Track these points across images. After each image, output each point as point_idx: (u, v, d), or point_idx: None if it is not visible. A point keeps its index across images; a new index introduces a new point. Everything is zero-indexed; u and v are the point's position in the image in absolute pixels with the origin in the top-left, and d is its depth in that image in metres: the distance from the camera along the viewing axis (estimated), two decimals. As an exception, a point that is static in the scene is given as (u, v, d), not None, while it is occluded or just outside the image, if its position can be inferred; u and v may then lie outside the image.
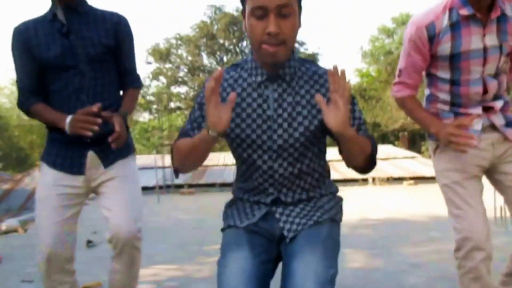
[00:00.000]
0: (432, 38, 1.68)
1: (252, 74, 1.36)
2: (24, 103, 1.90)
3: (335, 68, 1.17)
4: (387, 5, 54.00)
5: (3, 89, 31.77)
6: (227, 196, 1.62)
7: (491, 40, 1.66)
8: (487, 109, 1.77)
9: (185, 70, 30.80)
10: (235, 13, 29.29)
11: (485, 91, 1.73)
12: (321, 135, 1.39)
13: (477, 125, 1.74)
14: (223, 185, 9.37)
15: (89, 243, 4.25)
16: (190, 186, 9.57)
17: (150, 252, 3.81)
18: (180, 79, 30.17)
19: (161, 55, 29.71)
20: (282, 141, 1.34)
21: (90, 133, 1.70)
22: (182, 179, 9.96)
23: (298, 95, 1.34)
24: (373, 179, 9.39)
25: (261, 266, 1.31)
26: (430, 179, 9.36)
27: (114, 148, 1.75)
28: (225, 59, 30.67)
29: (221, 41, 30.05)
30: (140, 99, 27.71)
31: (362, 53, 32.41)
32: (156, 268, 3.35)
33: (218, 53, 30.76)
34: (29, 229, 5.28)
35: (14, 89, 32.16)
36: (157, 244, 4.02)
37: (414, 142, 20.71)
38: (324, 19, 57.20)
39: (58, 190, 1.81)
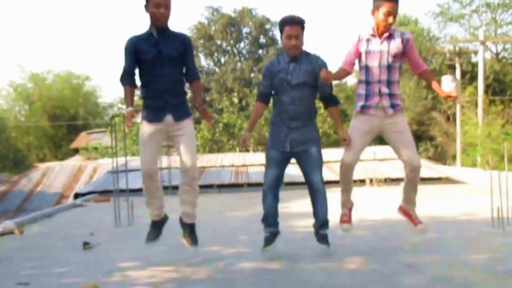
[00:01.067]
0: (359, 41, 3.44)
1: (285, 58, 3.50)
2: (122, 78, 3.28)
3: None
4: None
5: (0, 90, 31.69)
6: (224, 197, 1.64)
7: (384, 47, 3.37)
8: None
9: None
10: (233, 14, 29.28)
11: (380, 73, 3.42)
12: (313, 86, 3.47)
13: (375, 103, 3.44)
14: (221, 186, 9.35)
15: (86, 245, 4.23)
16: (188, 187, 9.55)
17: (147, 254, 3.80)
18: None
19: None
20: (295, 82, 3.43)
21: (128, 126, 3.16)
22: (180, 180, 9.93)
23: (302, 67, 3.45)
24: (371, 180, 9.40)
25: (283, 167, 3.59)
26: (428, 180, 9.37)
27: (209, 125, 3.93)
28: (222, 60, 30.66)
29: (219, 42, 30.03)
30: (137, 101, 27.59)
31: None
32: (153, 270, 3.34)
33: (216, 54, 30.72)
34: (25, 231, 5.25)
35: (11, 90, 32.12)
36: (154, 246, 4.00)
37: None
38: (321, 20, 57.26)
39: (151, 130, 3.29)
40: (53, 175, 13.37)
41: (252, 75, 28.02)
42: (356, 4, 59.29)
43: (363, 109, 3.43)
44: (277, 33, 30.98)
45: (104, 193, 8.90)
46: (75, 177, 13.01)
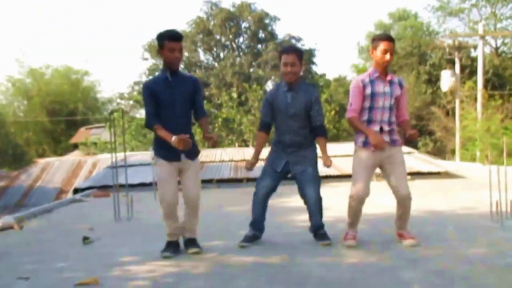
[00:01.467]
0: (364, 86, 3.57)
1: (283, 87, 3.77)
2: (150, 122, 3.45)
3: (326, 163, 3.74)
4: (384, 1, 53.90)
5: (-1, 85, 31.57)
6: (224, 192, 1.66)
7: (387, 89, 3.58)
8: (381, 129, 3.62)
9: (182, 66, 30.55)
10: (232, 9, 29.17)
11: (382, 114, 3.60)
12: (307, 115, 3.72)
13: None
14: (220, 181, 9.34)
15: (86, 239, 4.24)
16: (187, 182, 9.55)
17: (147, 249, 3.81)
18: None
19: (158, 51, 29.34)
20: (293, 112, 3.70)
21: (183, 148, 3.27)
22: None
23: (299, 96, 3.70)
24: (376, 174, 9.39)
25: (277, 180, 3.85)
26: (427, 175, 9.38)
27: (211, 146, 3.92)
28: (221, 55, 30.57)
29: (218, 37, 29.91)
30: (137, 96, 27.58)
31: (358, 49, 32.45)
32: (152, 265, 3.35)
33: (215, 49, 30.64)
34: (25, 226, 5.26)
35: (10, 85, 32.01)
36: (153, 241, 4.01)
37: (409, 139, 20.71)
38: (321, 15, 57.09)
39: (170, 168, 3.50)
40: (52, 170, 13.37)
41: (251, 70, 27.98)
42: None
43: (365, 145, 3.57)
44: (275, 27, 31.01)
45: (104, 188, 8.89)
46: (74, 172, 13.01)
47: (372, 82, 3.54)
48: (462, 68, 18.97)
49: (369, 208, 3.98)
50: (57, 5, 57.82)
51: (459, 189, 7.52)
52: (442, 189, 7.60)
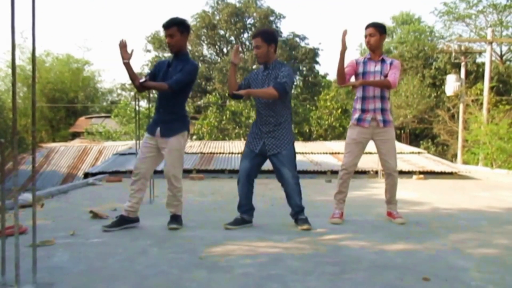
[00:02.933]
0: (357, 64, 4.07)
1: (262, 68, 3.92)
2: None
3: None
4: (388, 4, 54.01)
5: (-1, 71, 31.23)
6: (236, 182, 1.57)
7: (378, 68, 4.01)
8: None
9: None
10: (238, 4, 29.04)
11: (374, 89, 4.03)
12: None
13: (369, 117, 4.05)
14: (232, 172, 9.27)
15: (93, 214, 4.16)
16: (199, 171, 9.47)
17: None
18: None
19: (161, 43, 29.30)
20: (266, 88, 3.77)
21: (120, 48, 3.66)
22: (191, 164, 9.85)
23: (272, 73, 3.80)
24: (383, 173, 9.36)
25: (255, 162, 3.88)
26: (440, 174, 9.35)
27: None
28: (225, 50, 30.42)
29: (222, 32, 29.77)
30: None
31: (360, 51, 32.47)
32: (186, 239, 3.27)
33: (219, 43, 30.50)
34: (45, 204, 5.15)
35: (9, 71, 31.67)
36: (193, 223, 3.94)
37: (411, 142, 20.76)
38: (325, 16, 57.10)
39: (148, 141, 3.83)
40: (58, 155, 13.22)
41: (253, 66, 27.89)
42: (357, 2, 59.14)
43: (359, 122, 4.04)
44: (280, 25, 30.94)
45: (115, 174, 8.79)
46: (80, 158, 12.86)
47: (364, 63, 4.04)
48: (467, 73, 19.00)
49: (411, 205, 3.94)
50: (58, -7, 57.31)
51: (476, 189, 7.50)
52: (460, 188, 7.58)
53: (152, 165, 3.84)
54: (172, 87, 3.60)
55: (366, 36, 4.02)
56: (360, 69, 4.02)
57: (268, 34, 3.86)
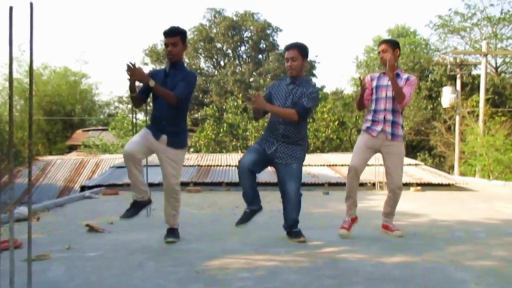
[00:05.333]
0: (371, 79, 4.13)
1: (286, 80, 3.85)
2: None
3: None
4: (383, 17, 54.58)
5: (-4, 84, 31.20)
6: (235, 195, 1.60)
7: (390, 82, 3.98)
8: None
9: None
10: (235, 18, 29.25)
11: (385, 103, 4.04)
12: None
13: (379, 127, 4.02)
14: (229, 184, 9.24)
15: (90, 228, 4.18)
16: (196, 184, 9.44)
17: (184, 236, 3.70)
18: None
19: (158, 56, 29.44)
20: (290, 102, 3.73)
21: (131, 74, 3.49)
22: (188, 177, 9.82)
23: (299, 89, 3.74)
24: (380, 185, 9.35)
25: (262, 159, 3.75)
26: (437, 186, 9.36)
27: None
28: (222, 63, 30.57)
29: (219, 44, 29.94)
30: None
31: (357, 63, 32.70)
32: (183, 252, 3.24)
33: (216, 56, 30.65)
34: (41, 219, 5.12)
35: (7, 84, 31.60)
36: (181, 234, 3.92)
37: (408, 153, 20.77)
38: (322, 29, 57.59)
39: (144, 136, 3.68)
40: (54, 168, 13.16)
41: (251, 79, 28.00)
42: (353, 15, 59.75)
43: (368, 129, 4.06)
44: (277, 38, 31.11)
45: (112, 187, 8.75)
46: (77, 171, 12.81)
47: (379, 77, 4.11)
48: (463, 85, 19.12)
49: (409, 217, 3.93)
50: (58, 5, 57.66)
51: (473, 200, 7.50)
52: (457, 200, 7.57)
53: (143, 153, 3.67)
54: (180, 98, 3.54)
55: (379, 53, 4.08)
56: (374, 83, 4.09)
57: (304, 49, 3.78)
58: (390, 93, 3.98)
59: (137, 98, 3.67)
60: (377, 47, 4.13)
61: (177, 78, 3.62)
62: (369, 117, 4.08)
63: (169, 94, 3.49)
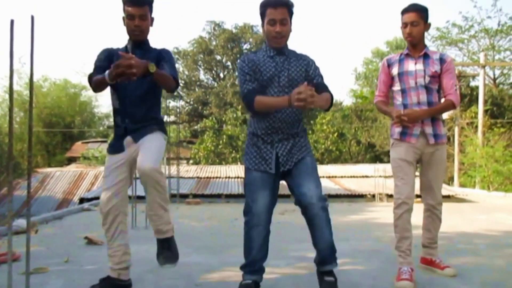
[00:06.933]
0: (389, 65, 3.11)
1: (267, 51, 2.64)
2: (89, 81, 2.78)
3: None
4: (382, 29, 55.00)
5: (-4, 96, 31.31)
6: (234, 207, 1.60)
7: (419, 66, 3.01)
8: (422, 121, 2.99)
9: (181, 84, 30.76)
10: (234, 30, 29.49)
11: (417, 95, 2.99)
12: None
13: (416, 130, 2.97)
14: (229, 196, 9.23)
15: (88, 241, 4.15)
16: (195, 196, 9.41)
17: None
18: (176, 93, 30.10)
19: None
20: (286, 79, 2.58)
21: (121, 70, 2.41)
22: (187, 188, 9.80)
23: (292, 62, 2.63)
24: (380, 197, 9.34)
25: (275, 188, 2.60)
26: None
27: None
28: (221, 75, 30.73)
29: (219, 57, 30.14)
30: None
31: (356, 75, 32.88)
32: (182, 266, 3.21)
33: (215, 69, 30.83)
34: (39, 231, 5.09)
35: (7, 96, 31.77)
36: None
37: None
38: (320, 41, 57.99)
39: (113, 161, 2.73)
40: (53, 181, 13.14)
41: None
42: (351, 27, 60.26)
43: (403, 136, 2.98)
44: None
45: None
46: (76, 183, 12.78)
47: (401, 60, 3.06)
48: (462, 97, 19.20)
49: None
50: (58, 18, 58.13)
51: (474, 212, 7.48)
52: (457, 211, 7.55)
53: (126, 191, 2.77)
54: (177, 80, 2.71)
55: (405, 25, 2.98)
56: (395, 70, 3.05)
57: (293, 6, 2.62)
58: (421, 80, 2.96)
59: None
60: (401, 15, 3.01)
61: (145, 59, 2.56)
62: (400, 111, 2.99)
63: (169, 77, 2.62)
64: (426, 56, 3.02)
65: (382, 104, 3.14)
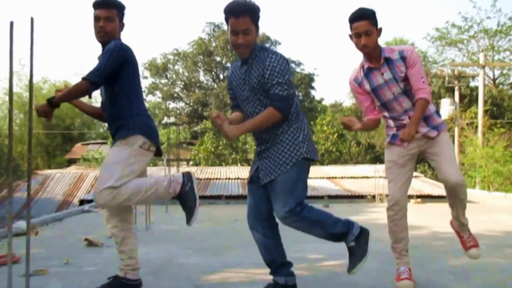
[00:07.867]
0: (360, 84, 2.90)
1: (237, 62, 2.59)
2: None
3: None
4: (381, 30, 54.97)
5: (-4, 98, 31.31)
6: (235, 208, 1.58)
7: (387, 75, 2.80)
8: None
9: (181, 85, 30.78)
10: (234, 31, 29.33)
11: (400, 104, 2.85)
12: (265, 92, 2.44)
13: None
14: (229, 198, 9.23)
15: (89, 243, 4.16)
16: (195, 197, 9.40)
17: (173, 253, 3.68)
18: (175, 95, 30.12)
19: (158, 69, 29.65)
20: (246, 94, 2.51)
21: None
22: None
23: (251, 70, 2.46)
24: (380, 197, 9.34)
25: (259, 194, 2.59)
26: (437, 198, 9.33)
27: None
28: (221, 76, 30.73)
29: (218, 58, 30.15)
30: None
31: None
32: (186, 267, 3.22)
33: (215, 70, 30.83)
34: (40, 233, 5.09)
35: (6, 98, 31.78)
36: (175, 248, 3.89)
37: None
38: (320, 41, 58.05)
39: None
40: (53, 182, 13.14)
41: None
42: (352, 27, 60.15)
43: (395, 139, 2.87)
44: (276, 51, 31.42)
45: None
46: (76, 185, 12.78)
47: (367, 75, 2.84)
48: (461, 97, 19.21)
49: (410, 229, 3.84)
50: (58, 20, 58.13)
51: (474, 212, 7.45)
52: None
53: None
54: (93, 80, 2.50)
55: (357, 35, 2.72)
56: (367, 87, 2.85)
57: (257, 12, 2.45)
58: (396, 89, 2.78)
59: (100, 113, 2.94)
60: (349, 23, 2.77)
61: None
62: (391, 122, 2.92)
63: (75, 86, 2.58)
64: (388, 61, 2.77)
65: (370, 122, 3.00)
